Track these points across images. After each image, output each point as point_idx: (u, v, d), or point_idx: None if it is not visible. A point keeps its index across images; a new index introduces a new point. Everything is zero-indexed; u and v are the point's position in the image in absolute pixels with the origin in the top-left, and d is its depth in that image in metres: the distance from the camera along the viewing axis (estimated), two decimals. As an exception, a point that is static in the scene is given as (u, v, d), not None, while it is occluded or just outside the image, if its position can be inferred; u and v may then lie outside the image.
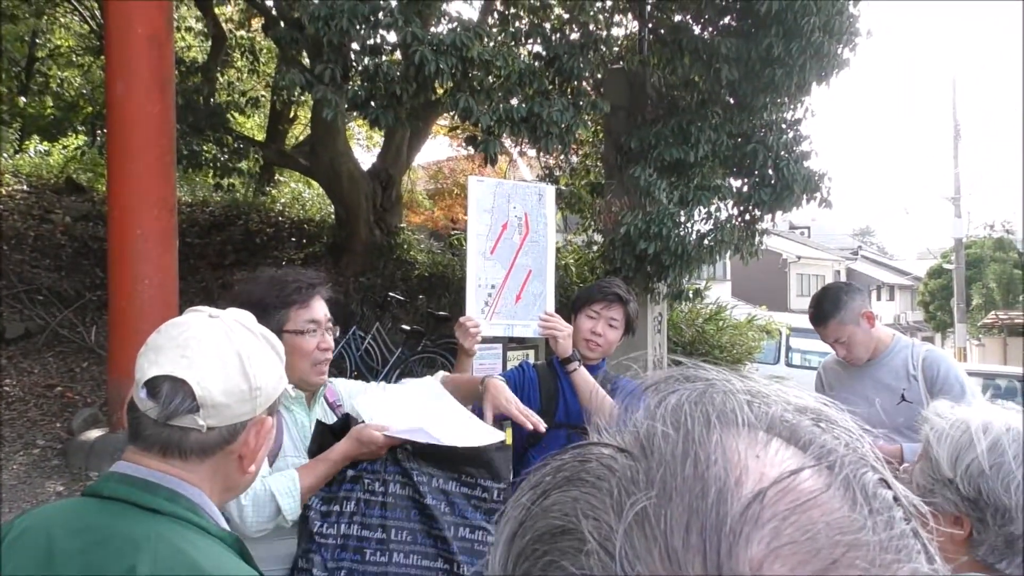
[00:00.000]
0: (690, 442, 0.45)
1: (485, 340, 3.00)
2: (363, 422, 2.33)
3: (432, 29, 6.91)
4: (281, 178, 16.18)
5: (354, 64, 6.93)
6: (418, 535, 2.22)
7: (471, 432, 2.34)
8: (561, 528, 0.45)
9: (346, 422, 2.34)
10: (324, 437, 2.31)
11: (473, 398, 2.60)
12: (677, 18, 8.82)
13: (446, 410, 2.47)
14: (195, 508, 1.29)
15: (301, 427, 2.34)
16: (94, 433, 6.79)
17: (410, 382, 2.60)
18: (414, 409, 2.41)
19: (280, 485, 2.10)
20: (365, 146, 19.01)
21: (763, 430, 0.47)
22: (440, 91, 7.22)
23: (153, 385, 1.27)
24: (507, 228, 3.05)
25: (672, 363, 0.59)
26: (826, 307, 3.43)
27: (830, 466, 0.45)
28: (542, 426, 2.52)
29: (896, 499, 0.46)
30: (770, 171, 8.18)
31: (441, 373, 2.81)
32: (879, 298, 40.96)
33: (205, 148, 10.88)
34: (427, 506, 2.23)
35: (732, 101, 8.40)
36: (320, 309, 2.32)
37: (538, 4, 8.19)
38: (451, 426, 2.34)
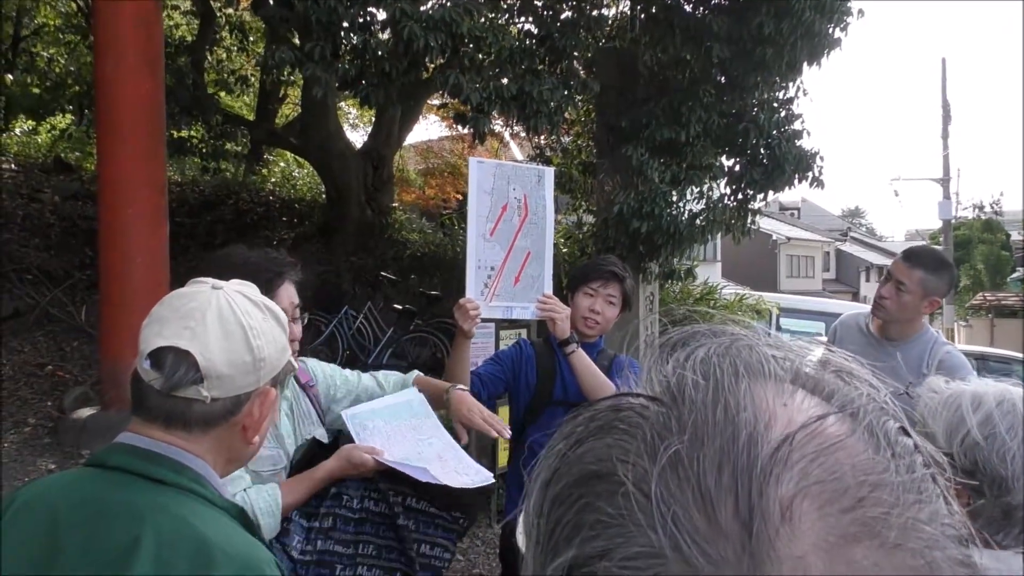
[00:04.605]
0: (720, 390, 0.47)
1: (480, 320, 2.99)
2: (349, 434, 2.31)
3: (422, 7, 6.85)
4: (271, 157, 16.10)
5: (344, 42, 6.88)
6: (383, 550, 2.24)
7: (462, 469, 2.32)
8: (596, 473, 0.47)
9: (337, 440, 2.33)
10: (314, 452, 2.29)
11: (439, 406, 2.56)
12: (669, -3, 8.77)
13: (434, 438, 2.42)
14: (199, 479, 1.30)
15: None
16: (86, 411, 6.78)
17: (394, 397, 2.54)
18: (405, 435, 2.38)
19: (262, 503, 2.05)
20: (355, 125, 18.92)
21: (788, 381, 0.49)
22: (430, 69, 7.18)
23: (157, 356, 1.27)
24: (507, 210, 3.03)
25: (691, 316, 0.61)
26: (928, 258, 3.32)
27: (853, 414, 0.47)
28: (506, 433, 2.50)
29: (916, 446, 0.48)
30: (762, 150, 8.17)
31: (415, 373, 2.74)
32: (868, 279, 41.09)
33: (192, 132, 10.80)
34: (399, 526, 2.24)
35: (724, 80, 8.37)
36: (286, 296, 2.22)
37: (530, -19, 8.13)
38: (444, 461, 2.32)
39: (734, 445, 0.44)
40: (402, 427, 2.39)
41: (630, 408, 0.49)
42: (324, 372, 2.55)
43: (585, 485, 0.47)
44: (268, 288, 2.13)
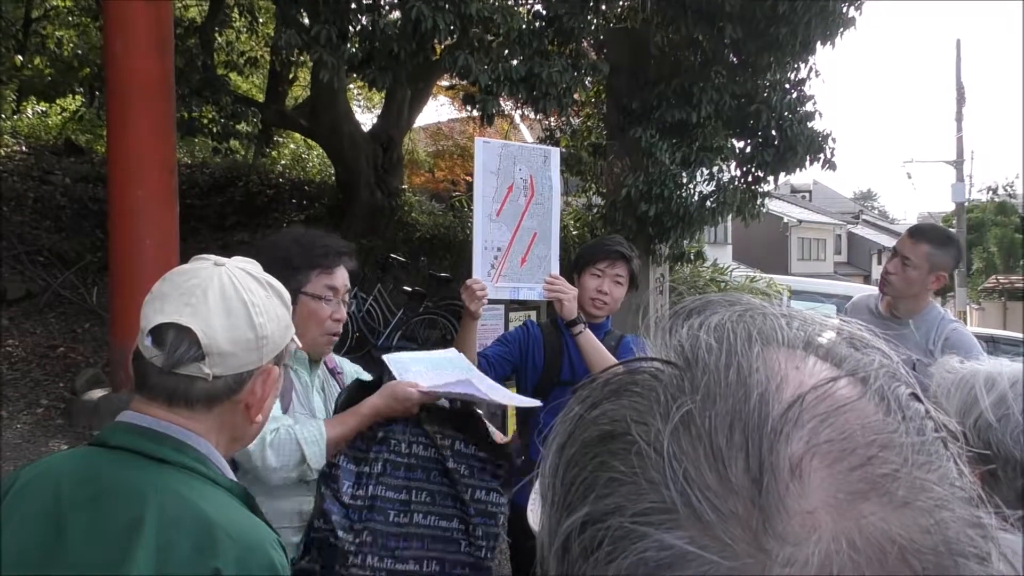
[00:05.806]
0: (733, 354, 0.48)
1: (489, 302, 2.98)
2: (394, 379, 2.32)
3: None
4: (281, 139, 16.08)
5: (352, 23, 6.84)
6: (436, 496, 2.23)
7: (507, 397, 2.35)
8: (610, 433, 0.48)
9: (379, 381, 2.33)
10: (355, 392, 2.29)
11: None
12: (681, -24, 8.69)
13: (475, 373, 2.47)
14: (202, 458, 1.29)
15: (305, 385, 2.32)
16: (97, 393, 6.82)
17: (436, 352, 2.60)
18: (446, 377, 2.40)
19: (306, 433, 2.07)
20: (365, 107, 18.88)
21: (801, 348, 0.49)
22: (439, 50, 7.15)
23: (158, 333, 1.26)
24: (512, 190, 3.02)
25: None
26: (934, 233, 3.32)
27: (864, 378, 0.47)
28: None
29: (927, 412, 0.48)
30: (773, 132, 8.12)
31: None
32: (879, 262, 40.87)
33: (203, 112, 10.80)
34: (449, 469, 2.23)
35: (736, 61, 8.31)
36: (342, 278, 2.28)
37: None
38: (488, 383, 2.34)
39: (745, 405, 0.45)
40: (443, 374, 2.42)
41: (644, 372, 0.50)
42: (351, 368, 2.59)
43: (599, 445, 0.48)
44: (331, 263, 2.22)
